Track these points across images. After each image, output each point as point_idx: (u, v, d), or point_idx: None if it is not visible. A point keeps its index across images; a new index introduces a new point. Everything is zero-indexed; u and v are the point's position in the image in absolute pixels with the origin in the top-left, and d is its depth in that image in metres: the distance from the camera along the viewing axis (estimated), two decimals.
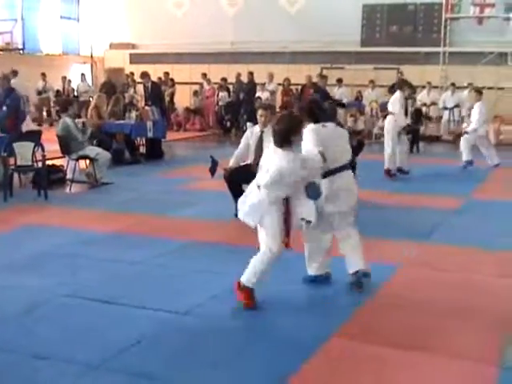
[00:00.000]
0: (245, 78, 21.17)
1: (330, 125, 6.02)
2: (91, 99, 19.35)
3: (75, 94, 22.83)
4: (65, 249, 7.19)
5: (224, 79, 22.33)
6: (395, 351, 4.66)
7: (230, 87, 22.20)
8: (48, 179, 10.28)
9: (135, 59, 28.07)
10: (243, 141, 8.80)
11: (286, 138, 5.22)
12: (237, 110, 20.09)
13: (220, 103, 21.71)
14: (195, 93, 22.94)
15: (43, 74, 23.94)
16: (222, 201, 9.10)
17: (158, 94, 15.84)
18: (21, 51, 26.05)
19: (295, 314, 5.36)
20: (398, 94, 12.24)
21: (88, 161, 11.46)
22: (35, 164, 10.31)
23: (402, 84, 12.95)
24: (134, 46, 29.12)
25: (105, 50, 29.97)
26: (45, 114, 24.22)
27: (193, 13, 27.18)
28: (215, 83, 22.75)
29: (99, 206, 9.43)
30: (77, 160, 11.35)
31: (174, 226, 8.28)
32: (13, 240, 7.60)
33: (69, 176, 11.25)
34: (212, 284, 6.05)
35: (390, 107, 12.34)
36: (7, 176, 9.99)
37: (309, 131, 5.72)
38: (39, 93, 23.89)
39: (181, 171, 12.81)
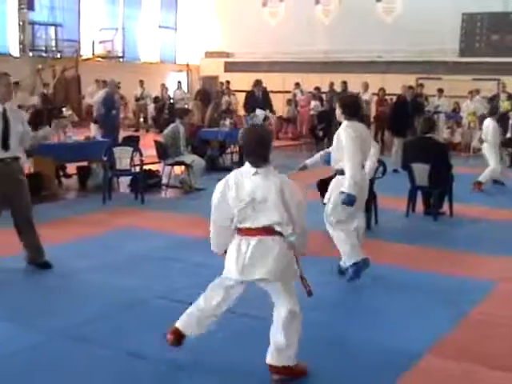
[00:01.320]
0: (338, 88, 21.09)
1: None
2: (186, 106, 19.79)
3: (171, 101, 23.31)
4: (159, 252, 7.37)
5: (317, 88, 22.31)
6: (492, 372, 4.52)
7: (323, 96, 22.16)
8: (145, 183, 10.56)
9: (230, 67, 28.45)
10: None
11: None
12: (330, 119, 20.01)
13: (312, 112, 21.70)
14: (289, 101, 23.03)
15: (141, 82, 24.61)
16: (312, 210, 9.06)
17: (268, 101, 16.02)
18: (120, 59, 26.90)
19: (389, 328, 5.29)
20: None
21: (183, 167, 11.71)
22: (133, 168, 10.63)
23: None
24: (228, 55, 29.52)
25: (200, 58, 30.53)
26: (142, 120, 24.88)
27: (287, 22, 27.31)
28: (308, 92, 22.77)
29: (192, 211, 9.59)
30: (172, 166, 11.61)
31: None
32: (110, 241, 7.86)
33: (164, 181, 11.54)
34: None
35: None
36: (107, 180, 10.33)
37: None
38: (137, 99, 24.57)
39: None
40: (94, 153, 10.96)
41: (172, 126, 11.68)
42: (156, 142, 11.81)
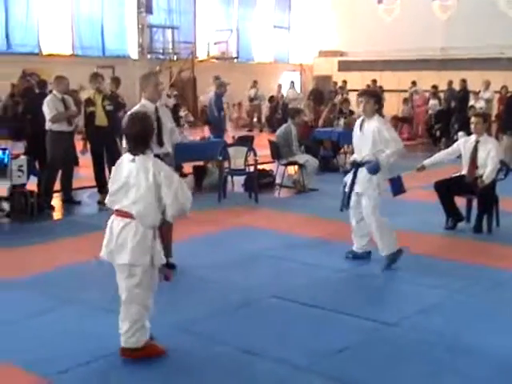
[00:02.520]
0: (456, 86, 20.49)
1: None
2: (299, 106, 19.81)
3: (285, 101, 23.40)
4: (272, 251, 7.40)
5: (434, 87, 21.75)
6: None
7: (441, 95, 21.58)
8: (258, 183, 10.65)
9: (343, 67, 28.25)
10: (454, 146, 8.63)
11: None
12: (448, 118, 19.47)
13: (430, 111, 21.17)
14: (405, 100, 22.57)
15: (255, 82, 24.84)
16: (429, 212, 8.91)
17: None
18: (235, 60, 27.28)
19: (501, 335, 5.10)
20: None
21: (296, 167, 11.72)
22: (247, 168, 10.74)
23: None
24: (342, 54, 29.33)
25: (314, 57, 30.48)
26: (255, 119, 25.13)
27: (403, 18, 26.79)
28: (425, 91, 22.24)
29: (305, 211, 9.59)
30: (286, 166, 11.65)
31: None
32: (225, 239, 7.97)
33: (278, 181, 11.59)
34: (420, 297, 5.93)
35: None
36: (222, 179, 10.49)
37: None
38: (251, 100, 24.84)
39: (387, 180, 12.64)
40: (209, 152, 11.14)
41: (284, 126, 11.72)
42: (270, 141, 11.88)
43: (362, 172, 6.71)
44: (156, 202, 4.38)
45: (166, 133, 6.46)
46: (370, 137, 6.63)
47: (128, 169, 4.46)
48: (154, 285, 4.59)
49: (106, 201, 4.64)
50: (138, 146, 4.44)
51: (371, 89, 7.80)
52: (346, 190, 6.89)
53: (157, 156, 6.26)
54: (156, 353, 4.61)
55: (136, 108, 6.48)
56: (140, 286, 4.47)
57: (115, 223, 4.48)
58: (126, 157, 4.55)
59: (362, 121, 6.78)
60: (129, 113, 4.95)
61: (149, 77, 6.59)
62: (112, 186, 4.53)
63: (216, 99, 12.99)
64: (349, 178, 6.88)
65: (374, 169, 6.61)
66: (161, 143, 6.36)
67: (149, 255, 4.43)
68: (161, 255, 4.51)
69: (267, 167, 12.24)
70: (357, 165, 6.78)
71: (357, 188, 6.75)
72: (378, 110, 6.81)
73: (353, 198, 6.83)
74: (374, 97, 6.84)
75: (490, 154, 8.12)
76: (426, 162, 8.48)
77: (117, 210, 4.49)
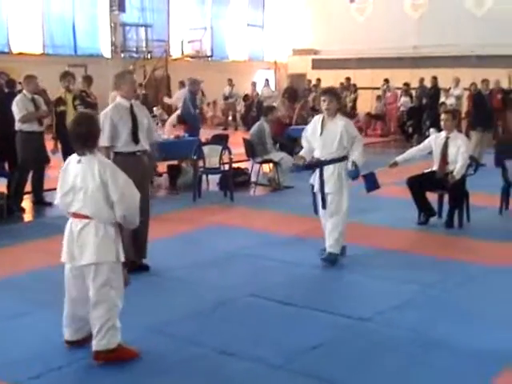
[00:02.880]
0: (428, 83, 20.65)
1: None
2: (274, 104, 19.82)
3: (260, 99, 23.40)
4: (248, 249, 7.41)
5: (406, 84, 21.90)
6: None
7: (413, 92, 21.74)
8: (234, 181, 10.64)
9: (317, 65, 28.34)
10: (425, 142, 8.72)
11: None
12: (419, 115, 19.63)
13: (402, 108, 21.34)
14: (378, 98, 22.71)
15: (230, 80, 24.81)
16: (401, 208, 8.99)
17: None
18: (209, 58, 27.23)
19: (472, 328, 5.16)
20: None
21: (271, 165, 11.73)
22: (222, 166, 10.73)
23: None
24: (316, 52, 29.41)
25: (288, 55, 30.54)
26: (230, 118, 25.11)
27: (375, 17, 26.98)
28: (397, 88, 22.41)
29: (281, 209, 9.61)
30: (261, 164, 11.66)
31: (354, 231, 8.23)
32: (200, 238, 7.95)
33: (253, 179, 11.60)
34: (394, 292, 5.98)
35: None
36: (196, 178, 10.47)
37: None
38: (226, 98, 24.81)
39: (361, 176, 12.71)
40: (183, 151, 11.11)
41: (257, 123, 11.73)
42: (244, 140, 11.89)
43: (328, 170, 6.70)
44: (105, 200, 4.35)
45: (143, 130, 6.40)
46: (336, 135, 6.63)
47: (75, 171, 4.43)
48: (121, 283, 4.55)
49: (57, 204, 4.59)
50: (84, 146, 4.40)
51: (333, 88, 7.94)
52: (315, 191, 6.85)
53: (132, 154, 6.31)
54: (129, 355, 4.57)
55: (110, 106, 6.48)
56: (107, 285, 4.43)
57: (73, 225, 4.45)
58: (73, 158, 4.50)
59: (323, 119, 6.77)
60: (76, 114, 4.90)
61: (124, 75, 6.53)
62: (61, 188, 4.49)
63: (190, 97, 12.93)
64: (315, 178, 6.84)
65: (356, 174, 6.68)
66: (136, 140, 6.33)
67: (114, 252, 4.42)
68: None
69: (242, 165, 12.24)
70: (321, 163, 6.75)
71: (327, 188, 6.71)
72: (339, 109, 6.88)
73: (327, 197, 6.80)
74: (336, 96, 6.94)
75: (459, 150, 8.23)
76: (399, 158, 8.56)
77: (73, 214, 4.46)
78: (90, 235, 4.37)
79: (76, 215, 4.43)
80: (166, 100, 19.89)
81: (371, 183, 7.19)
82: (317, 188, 6.81)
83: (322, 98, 6.81)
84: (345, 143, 6.66)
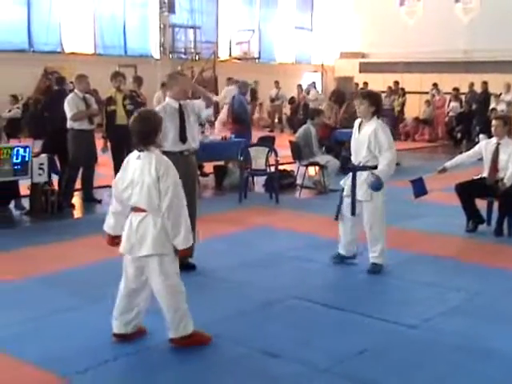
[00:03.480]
0: (478, 88, 20.37)
1: None
2: (320, 107, 19.78)
3: (306, 101, 23.38)
4: (293, 251, 7.41)
5: (456, 89, 21.64)
6: None
7: (462, 97, 21.47)
8: (279, 183, 10.65)
9: (364, 68, 28.20)
10: (475, 148, 8.57)
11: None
12: (469, 121, 19.38)
13: (451, 114, 21.08)
14: (426, 102, 22.45)
15: (276, 82, 24.83)
16: (449, 214, 8.88)
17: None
18: (256, 60, 27.30)
19: None
20: None
21: (317, 167, 11.71)
22: (268, 168, 10.75)
23: None
24: (363, 55, 29.26)
25: (335, 58, 30.45)
26: (276, 120, 25.11)
27: (425, 21, 26.73)
28: (446, 93, 22.14)
29: (326, 212, 9.51)
30: (307, 166, 11.65)
31: (399, 236, 8.17)
32: (246, 239, 7.99)
33: (298, 181, 11.60)
34: (440, 299, 5.91)
35: None
36: (243, 179, 10.51)
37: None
38: (272, 100, 24.83)
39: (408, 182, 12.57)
40: (230, 152, 11.17)
41: (304, 127, 11.73)
42: (291, 142, 11.89)
43: (361, 177, 6.54)
44: (158, 195, 4.50)
45: (191, 130, 6.50)
46: (366, 139, 6.46)
47: (134, 166, 4.61)
48: (178, 272, 4.70)
49: (117, 197, 4.73)
50: (143, 143, 4.58)
51: (367, 90, 7.92)
52: (345, 195, 6.72)
53: (180, 153, 6.38)
54: (203, 340, 4.76)
55: (159, 106, 6.59)
56: (168, 275, 4.58)
57: (133, 219, 4.61)
58: (133, 154, 4.69)
59: (361, 123, 6.65)
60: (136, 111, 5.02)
61: (176, 76, 6.75)
62: (122, 183, 4.66)
63: (242, 98, 13.01)
64: (346, 183, 6.74)
65: (377, 187, 6.39)
66: (183, 140, 6.42)
67: (170, 243, 4.55)
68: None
69: (288, 168, 12.25)
70: (353, 168, 6.63)
71: (359, 196, 6.57)
72: (376, 113, 6.57)
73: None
74: (369, 98, 6.60)
75: (510, 157, 8.09)
76: (448, 164, 8.45)
77: (133, 208, 4.63)
78: (149, 227, 4.52)
79: (135, 209, 4.60)
80: (214, 98, 19.96)
81: (419, 188, 7.10)
82: (346, 192, 6.70)
83: (355, 101, 6.74)
84: (372, 149, 6.44)
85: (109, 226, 4.81)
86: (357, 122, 6.74)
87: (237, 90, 13.41)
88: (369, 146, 6.45)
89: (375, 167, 6.45)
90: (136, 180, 4.55)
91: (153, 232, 4.52)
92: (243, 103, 12.84)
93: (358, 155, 6.59)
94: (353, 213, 6.64)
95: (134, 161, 4.63)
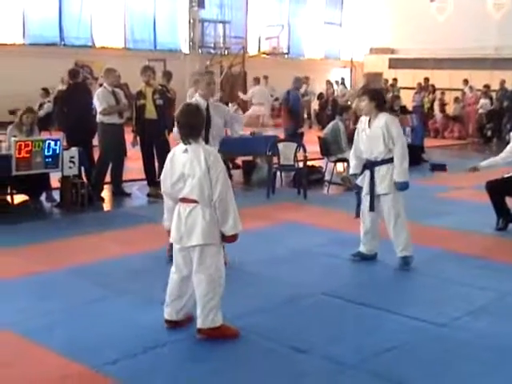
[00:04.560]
0: (509, 85, 20.13)
1: None
2: (349, 103, 19.69)
3: (335, 97, 23.29)
4: (320, 247, 7.41)
5: (486, 86, 21.39)
6: None
7: (492, 94, 21.23)
8: (307, 179, 10.64)
9: (394, 64, 28.03)
10: (507, 148, 8.46)
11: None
12: (499, 118, 19.17)
13: (481, 111, 20.85)
14: (456, 99, 22.22)
15: (306, 78, 24.72)
16: (479, 212, 8.80)
17: None
18: (285, 55, 27.26)
19: None
20: None
21: (345, 164, 11.66)
22: (296, 164, 10.74)
23: None
24: (393, 51, 29.08)
25: (364, 54, 30.29)
26: (305, 116, 25.01)
27: (455, 17, 26.49)
28: (477, 90, 21.90)
29: (354, 209, 9.49)
30: (335, 162, 11.62)
31: (428, 233, 8.12)
32: (274, 235, 7.99)
33: (327, 177, 11.58)
34: (469, 298, 5.86)
35: None
36: (271, 174, 10.52)
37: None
38: (301, 96, 24.71)
39: (439, 179, 12.50)
40: (258, 147, 11.18)
41: (332, 123, 11.71)
42: (319, 138, 11.87)
43: (381, 171, 6.56)
44: (209, 185, 4.60)
45: (214, 130, 6.57)
46: (379, 134, 6.49)
47: (182, 160, 4.68)
48: (223, 264, 4.82)
49: (167, 191, 4.83)
50: (190, 136, 4.67)
51: (366, 87, 8.00)
52: (364, 193, 6.72)
53: None
54: (231, 334, 4.81)
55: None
56: (212, 266, 4.69)
57: (182, 209, 4.71)
58: (179, 148, 4.76)
59: (369, 120, 6.64)
60: (183, 103, 5.06)
61: (203, 75, 6.83)
62: (171, 178, 4.73)
63: (296, 94, 13.17)
64: (364, 180, 6.72)
65: (404, 187, 6.55)
66: (207, 140, 6.40)
67: (218, 233, 4.67)
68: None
69: (316, 164, 12.21)
70: (371, 165, 6.63)
71: (381, 189, 6.59)
72: (379, 107, 6.59)
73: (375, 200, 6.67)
74: (368, 94, 6.65)
75: None
76: (481, 164, 8.36)
77: (181, 198, 4.71)
78: (198, 218, 4.63)
79: (184, 200, 4.69)
80: (241, 96, 20.00)
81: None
82: (366, 190, 6.69)
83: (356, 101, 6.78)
84: (387, 142, 6.49)
85: (165, 220, 4.94)
86: (364, 120, 6.74)
87: (293, 85, 13.52)
88: (384, 140, 6.49)
89: (391, 160, 6.52)
90: (187, 173, 4.63)
91: (202, 223, 4.62)
92: (298, 99, 12.99)
93: (373, 151, 6.61)
94: (371, 208, 6.66)
95: (181, 154, 4.70)
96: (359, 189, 6.83)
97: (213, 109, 6.61)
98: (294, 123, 12.65)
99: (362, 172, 6.77)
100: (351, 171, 6.97)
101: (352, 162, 6.93)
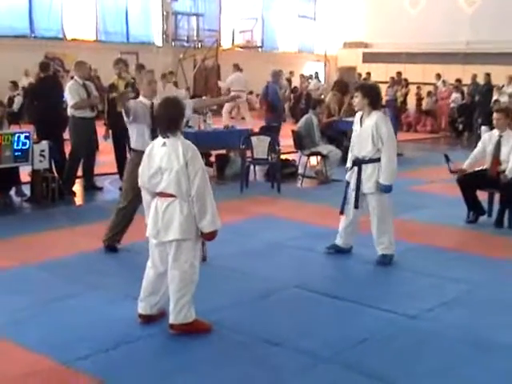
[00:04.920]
0: (481, 80, 20.31)
1: None
2: (322, 97, 19.71)
3: (308, 91, 23.32)
4: (294, 241, 7.40)
5: (458, 80, 21.56)
6: None
7: (464, 89, 21.40)
8: (281, 173, 10.63)
9: (368, 58, 28.14)
10: (480, 144, 8.51)
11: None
12: (471, 112, 19.34)
13: (453, 105, 21.01)
14: (429, 93, 22.37)
15: (279, 71, 24.69)
16: (452, 205, 8.86)
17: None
18: (259, 49, 27.23)
19: None
20: None
21: (319, 157, 11.69)
22: (270, 158, 10.72)
23: None
24: (367, 45, 29.18)
25: (338, 48, 30.36)
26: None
27: (428, 11, 26.68)
28: (449, 84, 22.07)
29: (327, 202, 9.53)
30: (309, 156, 11.63)
31: (402, 227, 8.14)
32: (247, 229, 7.98)
33: (300, 171, 11.58)
34: (441, 290, 5.91)
35: None
36: (244, 168, 10.49)
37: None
38: (279, 89, 24.68)
39: (411, 173, 12.55)
40: (232, 141, 11.15)
41: (305, 116, 11.71)
42: (293, 132, 11.87)
43: (368, 170, 6.54)
44: (187, 180, 4.57)
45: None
46: (369, 133, 6.44)
47: (160, 153, 4.65)
48: (198, 259, 4.79)
49: (141, 185, 4.84)
50: (168, 129, 4.65)
51: (363, 82, 7.98)
52: (351, 190, 6.70)
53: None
54: (203, 328, 4.78)
55: (132, 104, 6.51)
56: (188, 261, 4.66)
57: (159, 204, 4.67)
58: (157, 142, 4.74)
59: (362, 116, 6.61)
60: (161, 98, 5.09)
61: (144, 74, 6.72)
62: (148, 171, 4.71)
63: (275, 87, 13.21)
64: (351, 176, 6.71)
65: (387, 191, 6.51)
66: (153, 138, 6.44)
67: (195, 229, 4.63)
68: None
69: (290, 157, 12.21)
70: (359, 162, 6.61)
71: (366, 189, 6.57)
72: (372, 105, 6.52)
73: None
74: (361, 90, 6.62)
75: None
76: (466, 165, 8.44)
77: (158, 193, 4.68)
78: (176, 213, 4.58)
79: (161, 194, 4.66)
80: (220, 84, 19.73)
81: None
82: (352, 186, 6.68)
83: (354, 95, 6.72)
84: (375, 142, 6.43)
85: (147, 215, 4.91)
86: (358, 116, 6.71)
87: (270, 78, 13.53)
88: (372, 139, 6.44)
89: (379, 159, 6.47)
90: (164, 167, 4.60)
91: (180, 217, 4.58)
92: (276, 92, 12.99)
93: (362, 149, 6.57)
94: (356, 206, 6.64)
95: (160, 148, 4.67)
96: (347, 184, 6.77)
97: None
98: (272, 116, 12.69)
99: (351, 167, 6.75)
100: (347, 164, 6.86)
101: (349, 155, 6.86)
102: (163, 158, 4.61)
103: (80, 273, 6.13)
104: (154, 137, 6.27)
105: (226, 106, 17.36)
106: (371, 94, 6.58)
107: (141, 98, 6.59)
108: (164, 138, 4.66)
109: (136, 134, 6.55)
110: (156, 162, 4.66)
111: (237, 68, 18.99)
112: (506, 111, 8.70)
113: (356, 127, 6.68)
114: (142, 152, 5.17)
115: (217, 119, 14.37)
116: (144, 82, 6.66)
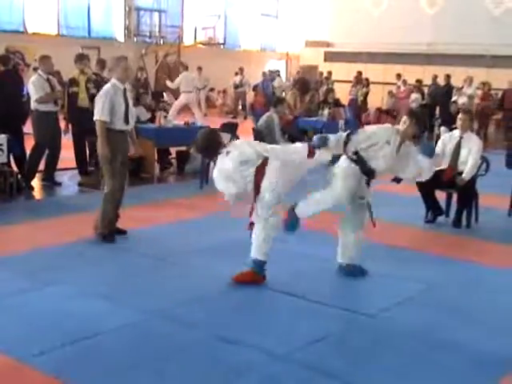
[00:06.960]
0: (441, 81, 20.58)
1: None
2: (284, 94, 19.76)
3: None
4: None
5: (419, 81, 21.80)
6: None
7: (424, 89, 21.65)
8: None
9: (329, 57, 28.30)
10: (439, 145, 8.60)
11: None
12: (430, 113, 19.56)
13: (413, 105, 21.21)
14: (389, 93, 22.58)
15: (240, 69, 24.74)
16: (410, 205, 8.95)
17: None
18: (222, 46, 27.18)
19: (476, 329, 5.15)
20: None
21: None
22: None
23: None
24: (329, 45, 29.34)
25: (300, 47, 30.47)
26: (240, 107, 25.03)
27: (390, 12, 26.92)
28: (409, 84, 22.31)
29: (289, 200, 9.56)
30: None
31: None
32: (207, 225, 7.96)
33: None
34: (398, 289, 5.97)
35: None
36: (204, 165, 10.45)
37: None
38: (236, 86, 24.69)
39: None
40: (192, 137, 11.04)
41: (267, 114, 11.72)
42: (253, 129, 11.87)
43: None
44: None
45: (131, 112, 7.12)
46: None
47: None
48: None
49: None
50: (208, 156, 6.05)
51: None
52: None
53: (122, 132, 6.97)
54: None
55: (107, 86, 6.95)
56: None
57: None
58: None
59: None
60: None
61: (120, 60, 7.07)
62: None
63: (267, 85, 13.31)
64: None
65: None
66: (127, 121, 7.00)
67: None
68: None
69: None
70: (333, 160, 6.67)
71: None
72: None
73: None
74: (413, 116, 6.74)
75: (471, 151, 8.20)
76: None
77: None
78: None
79: None
80: (169, 84, 19.55)
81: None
82: None
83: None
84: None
85: None
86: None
87: (267, 76, 13.57)
88: None
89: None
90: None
91: None
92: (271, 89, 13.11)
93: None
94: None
95: None
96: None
97: (128, 93, 7.12)
98: (266, 110, 12.82)
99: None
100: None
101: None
102: None
103: (36, 268, 6.04)
104: (125, 120, 6.94)
105: (175, 106, 17.32)
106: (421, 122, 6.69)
107: (115, 81, 6.92)
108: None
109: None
110: None
111: (185, 68, 18.89)
112: (471, 114, 8.85)
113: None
114: (117, 131, 6.31)
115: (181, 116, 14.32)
116: (121, 68, 6.93)
